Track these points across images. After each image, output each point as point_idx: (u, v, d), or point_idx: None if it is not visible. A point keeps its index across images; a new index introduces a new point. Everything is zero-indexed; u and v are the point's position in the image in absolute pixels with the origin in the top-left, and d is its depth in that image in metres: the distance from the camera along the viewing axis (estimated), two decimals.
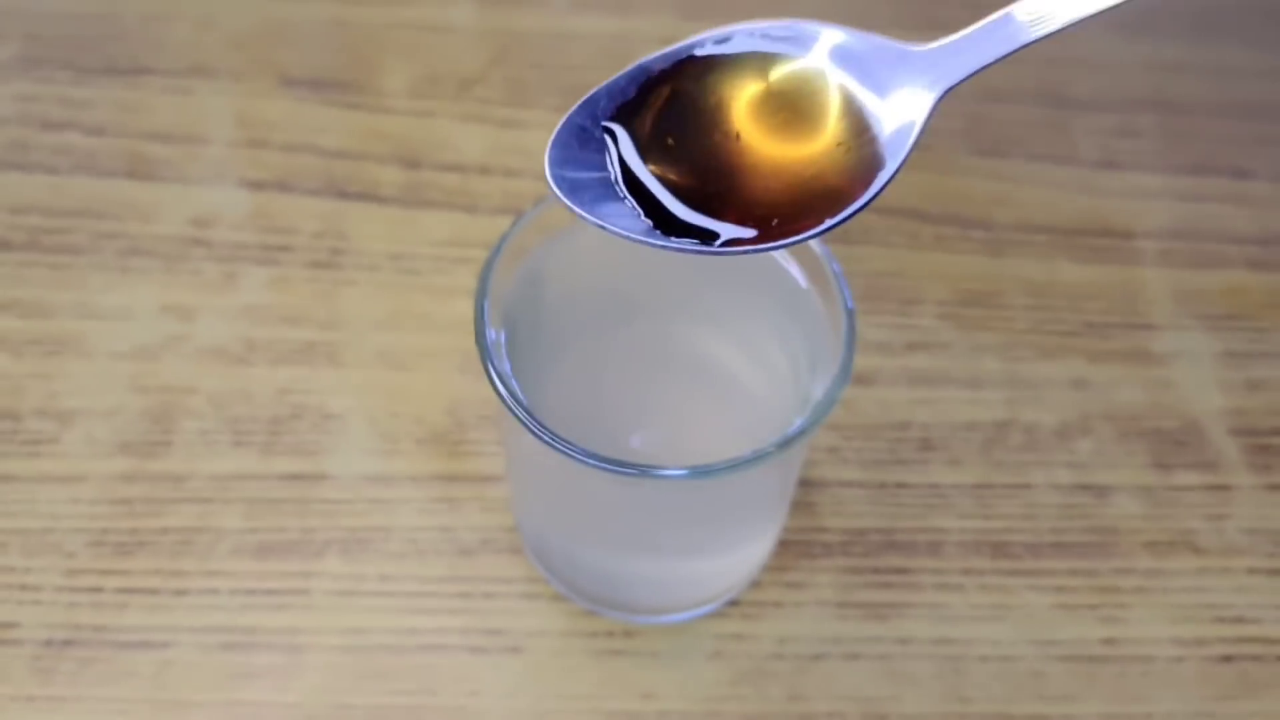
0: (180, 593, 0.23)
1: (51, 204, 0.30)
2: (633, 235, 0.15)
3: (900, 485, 0.25)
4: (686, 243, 0.15)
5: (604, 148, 0.16)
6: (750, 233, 0.15)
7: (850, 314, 0.19)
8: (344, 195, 0.30)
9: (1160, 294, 0.29)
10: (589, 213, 0.16)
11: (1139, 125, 0.33)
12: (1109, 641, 0.23)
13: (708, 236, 0.15)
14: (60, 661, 0.22)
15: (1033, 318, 0.28)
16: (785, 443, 0.18)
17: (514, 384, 0.19)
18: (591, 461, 0.17)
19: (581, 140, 0.16)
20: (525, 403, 0.18)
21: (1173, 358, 0.28)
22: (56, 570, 0.23)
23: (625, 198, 0.16)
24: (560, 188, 0.16)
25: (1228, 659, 0.23)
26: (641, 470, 0.17)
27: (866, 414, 0.26)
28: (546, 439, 0.18)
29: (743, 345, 0.22)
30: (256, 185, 0.30)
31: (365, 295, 0.28)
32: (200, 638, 0.22)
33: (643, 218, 0.16)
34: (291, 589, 0.23)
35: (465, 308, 0.28)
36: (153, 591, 0.23)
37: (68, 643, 0.22)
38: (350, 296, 0.28)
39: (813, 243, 0.20)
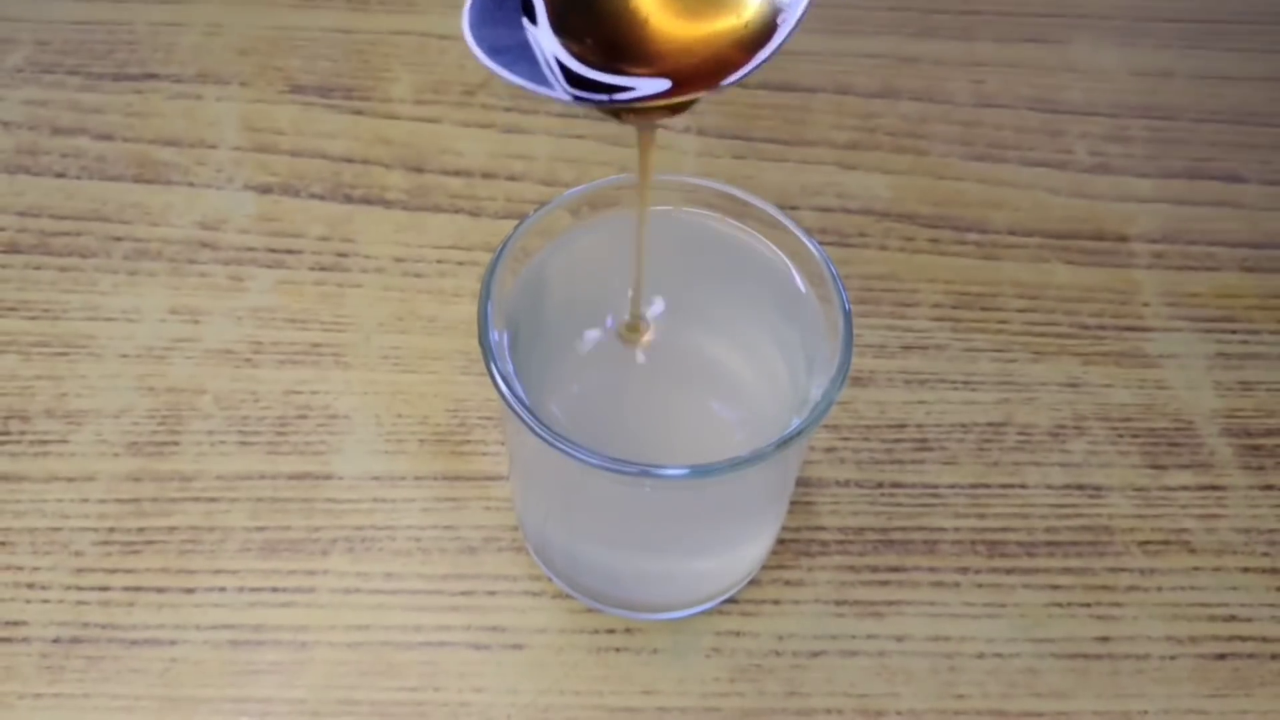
0: (187, 591, 0.23)
1: (61, 207, 0.30)
2: (546, 91, 0.16)
3: (896, 485, 0.26)
4: (597, 96, 0.16)
5: (518, 7, 0.17)
6: (663, 86, 0.16)
7: (847, 316, 0.20)
8: (350, 199, 0.30)
9: (1153, 296, 0.30)
10: (511, 72, 0.16)
11: (1131, 130, 0.33)
12: (1103, 639, 0.24)
13: (620, 93, 0.16)
14: (68, 659, 0.22)
15: (1027, 320, 0.29)
16: (784, 443, 0.18)
17: (516, 385, 0.19)
18: (592, 461, 0.18)
19: (498, 1, 0.17)
20: (527, 403, 0.19)
21: (1166, 359, 0.28)
22: (65, 569, 0.24)
23: (543, 57, 0.17)
24: (481, 48, 0.16)
25: (1221, 657, 0.23)
26: (641, 470, 0.18)
27: (863, 415, 0.27)
28: (548, 439, 0.18)
29: (742, 347, 0.23)
30: (263, 189, 0.31)
31: (371, 298, 0.28)
32: (207, 635, 0.23)
33: (560, 76, 0.17)
34: (297, 587, 0.23)
35: (469, 310, 0.28)
36: (160, 590, 0.23)
37: (75, 640, 0.23)
38: (356, 299, 0.28)
39: (811, 246, 0.21)
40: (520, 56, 0.17)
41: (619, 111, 0.17)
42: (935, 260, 0.30)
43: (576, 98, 0.16)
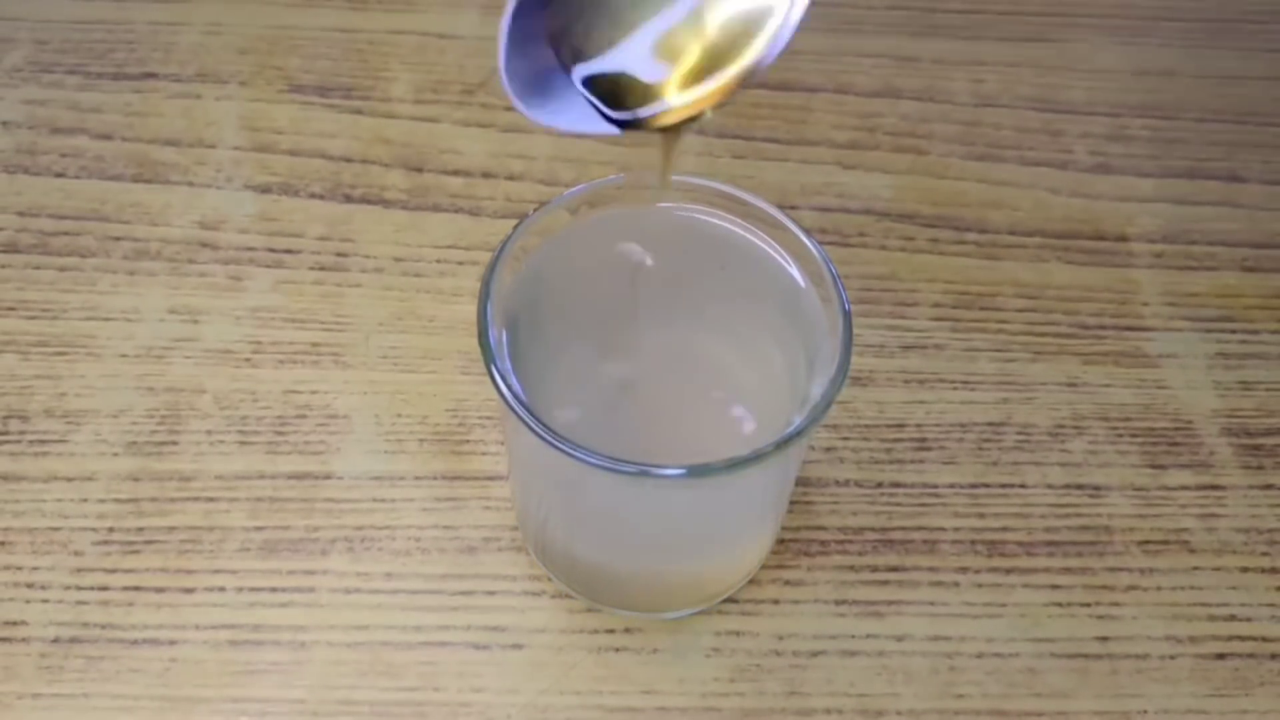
0: (187, 591, 0.23)
1: (60, 207, 0.30)
2: (592, 129, 0.17)
3: (896, 485, 0.26)
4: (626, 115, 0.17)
5: (545, 47, 0.17)
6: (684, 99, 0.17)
7: (847, 315, 0.20)
8: (349, 199, 0.30)
9: (1153, 296, 0.30)
10: (551, 121, 0.17)
11: (1132, 130, 0.33)
12: (1103, 639, 0.24)
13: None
14: (67, 659, 0.22)
15: (1027, 319, 0.29)
16: (783, 443, 0.18)
17: (515, 384, 0.19)
18: (591, 461, 0.18)
19: (525, 44, 0.17)
20: (526, 402, 0.19)
21: (1165, 359, 0.28)
22: (64, 569, 0.24)
23: (583, 94, 0.17)
24: (523, 102, 0.17)
25: (1221, 656, 0.23)
26: (641, 470, 0.18)
27: (863, 414, 0.27)
28: (547, 438, 0.18)
29: (741, 346, 0.23)
30: (263, 189, 0.31)
31: (370, 297, 0.28)
32: (206, 635, 0.23)
33: (600, 111, 0.17)
34: (297, 587, 0.23)
35: (468, 309, 0.28)
36: (159, 589, 0.23)
37: (75, 640, 0.23)
38: (356, 298, 0.28)
39: (811, 245, 0.21)
40: (556, 95, 0.17)
41: (661, 128, 0.18)
42: (935, 260, 0.30)
43: (620, 123, 0.17)
